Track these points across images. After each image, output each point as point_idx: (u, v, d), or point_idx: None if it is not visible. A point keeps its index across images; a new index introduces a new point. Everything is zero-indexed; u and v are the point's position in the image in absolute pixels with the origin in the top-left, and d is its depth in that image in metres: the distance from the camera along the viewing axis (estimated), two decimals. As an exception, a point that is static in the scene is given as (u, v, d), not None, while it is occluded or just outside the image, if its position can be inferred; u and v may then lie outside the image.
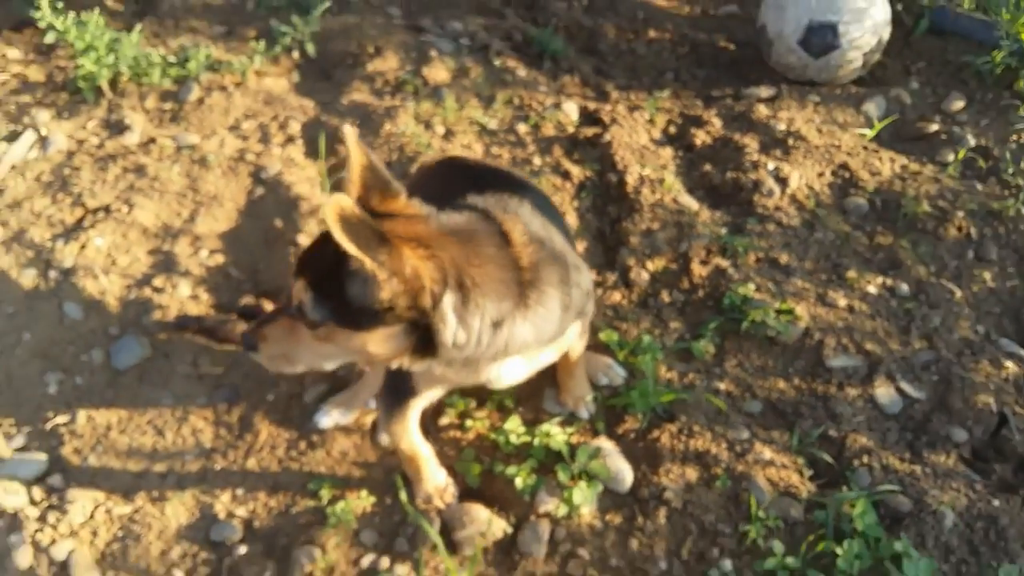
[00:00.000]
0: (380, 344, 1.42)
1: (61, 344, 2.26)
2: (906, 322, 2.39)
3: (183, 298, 2.39)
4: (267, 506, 1.99)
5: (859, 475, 2.00)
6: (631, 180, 2.80)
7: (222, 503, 1.99)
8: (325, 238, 1.36)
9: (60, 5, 3.02)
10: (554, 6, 3.86)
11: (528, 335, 1.52)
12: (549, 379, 2.10)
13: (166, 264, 2.48)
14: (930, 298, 2.47)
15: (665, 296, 2.47)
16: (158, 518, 1.95)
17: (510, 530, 1.91)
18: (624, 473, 1.98)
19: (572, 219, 2.70)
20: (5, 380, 2.20)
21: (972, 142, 3.01)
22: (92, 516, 1.96)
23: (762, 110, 3.16)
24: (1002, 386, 2.20)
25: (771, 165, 2.86)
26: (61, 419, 2.13)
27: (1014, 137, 3.04)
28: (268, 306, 2.38)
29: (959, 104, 3.24)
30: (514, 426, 2.05)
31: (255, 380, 2.22)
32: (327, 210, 1.21)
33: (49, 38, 3.01)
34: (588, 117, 3.16)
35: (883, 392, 2.19)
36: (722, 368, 2.27)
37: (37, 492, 1.99)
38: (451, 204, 1.57)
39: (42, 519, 1.94)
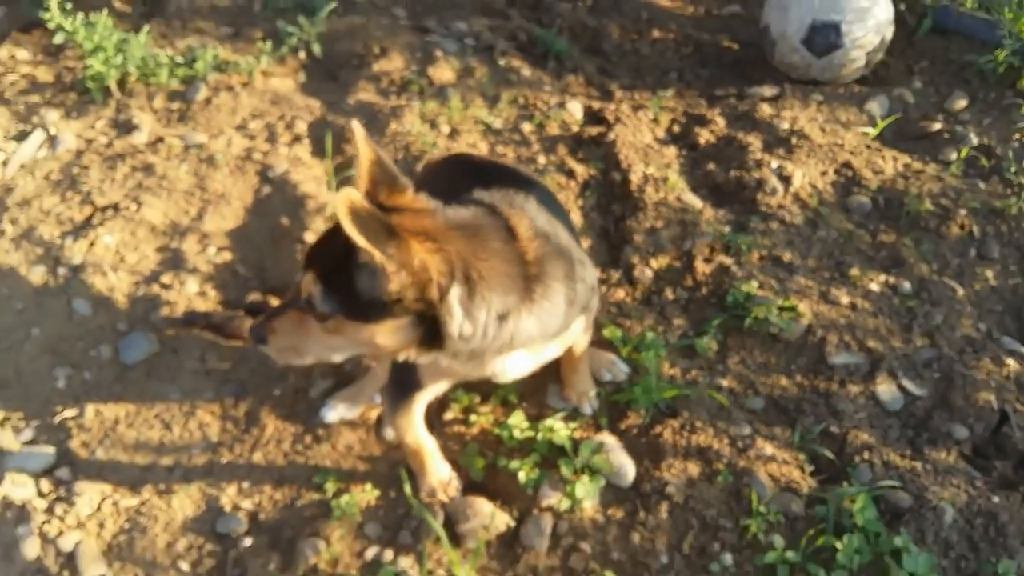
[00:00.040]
0: (388, 336, 1.44)
1: (70, 340, 2.29)
2: (908, 320, 2.40)
3: (191, 295, 2.41)
4: (272, 499, 2.01)
5: (860, 471, 2.01)
6: (635, 179, 2.82)
7: (228, 496, 2.01)
8: (334, 232, 1.38)
9: (69, 6, 3.05)
10: (558, 7, 3.88)
11: (533, 329, 1.54)
12: (553, 375, 2.12)
13: (174, 261, 2.50)
14: (932, 296, 2.48)
15: (669, 293, 2.49)
16: (164, 510, 1.98)
17: (513, 524, 1.93)
18: (626, 468, 2.00)
19: (576, 217, 2.72)
20: (15, 375, 2.22)
21: (975, 141, 3.01)
22: (99, 508, 1.98)
23: (765, 109, 3.17)
24: (1003, 384, 2.21)
25: (774, 164, 2.88)
26: (69, 413, 2.16)
27: (1016, 136, 3.04)
28: (275, 302, 2.40)
29: (962, 103, 3.25)
30: (518, 421, 2.07)
31: (262, 375, 2.24)
32: (338, 203, 1.23)
33: (58, 39, 3.03)
34: (592, 116, 3.18)
35: (885, 389, 2.20)
36: (725, 365, 2.29)
37: (45, 484, 2.02)
38: (458, 199, 1.58)
39: (50, 511, 1.96)
